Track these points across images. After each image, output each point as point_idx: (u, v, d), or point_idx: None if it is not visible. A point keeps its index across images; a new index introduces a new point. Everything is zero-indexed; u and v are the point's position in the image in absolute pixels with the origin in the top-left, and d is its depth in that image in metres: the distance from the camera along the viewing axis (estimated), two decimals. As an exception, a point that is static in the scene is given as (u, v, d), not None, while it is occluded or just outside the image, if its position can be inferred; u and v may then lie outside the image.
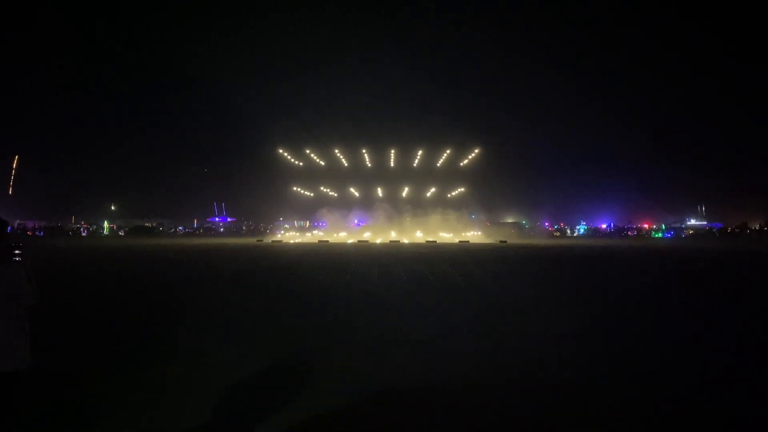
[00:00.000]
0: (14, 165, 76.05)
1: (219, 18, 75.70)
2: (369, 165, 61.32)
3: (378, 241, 49.43)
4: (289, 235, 57.99)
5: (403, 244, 45.69)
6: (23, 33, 67.50)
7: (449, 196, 61.84)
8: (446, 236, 52.75)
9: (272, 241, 49.38)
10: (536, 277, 17.52)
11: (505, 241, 47.69)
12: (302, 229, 62.16)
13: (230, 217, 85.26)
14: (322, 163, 61.20)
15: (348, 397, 5.38)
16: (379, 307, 11.10)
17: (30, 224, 70.16)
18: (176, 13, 63.76)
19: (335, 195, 62.45)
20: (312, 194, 63.05)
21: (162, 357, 6.95)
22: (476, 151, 57.79)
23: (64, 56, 68.58)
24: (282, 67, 76.05)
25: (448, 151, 58.57)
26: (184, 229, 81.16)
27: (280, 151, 59.02)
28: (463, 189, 61.37)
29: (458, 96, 65.09)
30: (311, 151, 60.09)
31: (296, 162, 61.00)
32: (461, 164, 59.92)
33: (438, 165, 60.46)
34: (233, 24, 74.96)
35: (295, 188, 62.18)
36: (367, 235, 52.30)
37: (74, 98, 71.42)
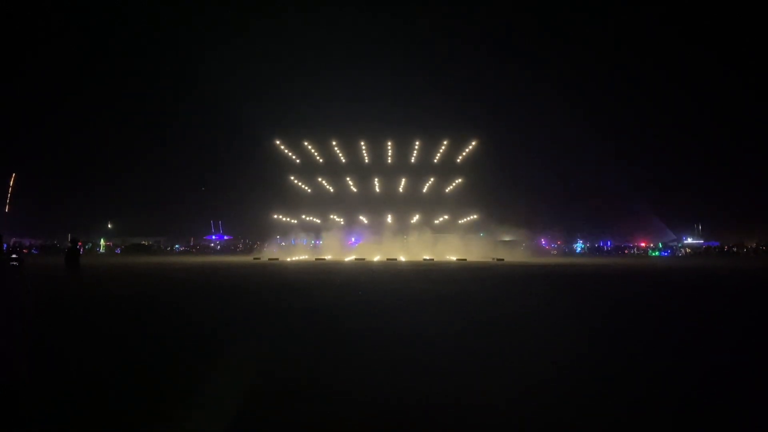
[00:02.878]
0: (11, 183, 76.13)
1: (219, 27, 75.75)
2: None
3: (375, 258, 49.41)
4: (286, 253, 57.83)
5: (399, 262, 45.67)
6: (21, 50, 68.09)
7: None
8: (444, 254, 52.72)
9: (269, 259, 49.34)
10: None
11: (502, 259, 47.71)
12: (299, 247, 61.92)
13: (227, 235, 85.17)
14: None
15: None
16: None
17: (27, 242, 70.00)
18: (174, 26, 63.86)
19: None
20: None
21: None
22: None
23: (61, 72, 69.11)
24: (280, 75, 75.72)
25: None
26: (181, 247, 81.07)
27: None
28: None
29: (456, 106, 64.38)
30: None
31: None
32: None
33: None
34: (233, 32, 74.85)
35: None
36: (363, 253, 52.34)
37: (71, 116, 71.78)
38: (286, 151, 60.65)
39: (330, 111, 63.37)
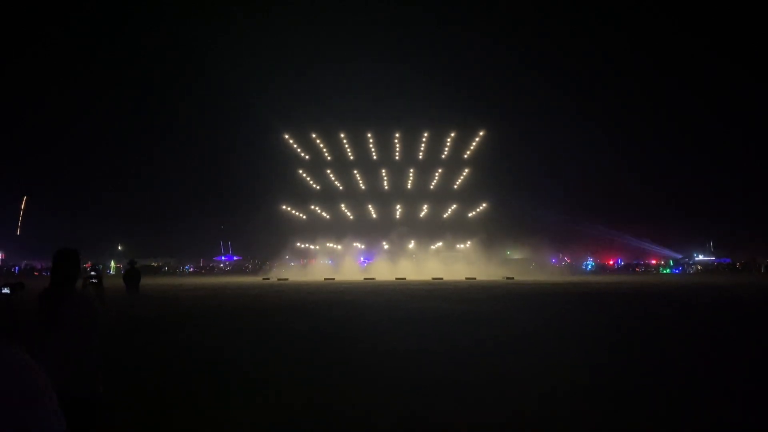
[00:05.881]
0: (22, 206, 77.00)
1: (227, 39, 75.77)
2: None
3: (385, 278, 49.30)
4: (295, 273, 57.84)
5: (409, 281, 45.51)
6: (30, 73, 69.30)
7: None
8: (453, 272, 52.59)
9: (278, 279, 49.42)
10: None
11: (512, 278, 47.43)
12: (307, 267, 61.96)
13: (236, 255, 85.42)
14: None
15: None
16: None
17: (38, 265, 70.48)
18: (183, 33, 64.11)
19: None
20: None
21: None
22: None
23: (71, 95, 70.24)
24: (287, 78, 75.40)
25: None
26: (190, 267, 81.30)
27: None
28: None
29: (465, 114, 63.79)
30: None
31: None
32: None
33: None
34: (244, 47, 74.95)
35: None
36: (372, 273, 52.37)
37: (81, 139, 72.78)
38: (294, 152, 60.73)
39: (340, 115, 62.40)
